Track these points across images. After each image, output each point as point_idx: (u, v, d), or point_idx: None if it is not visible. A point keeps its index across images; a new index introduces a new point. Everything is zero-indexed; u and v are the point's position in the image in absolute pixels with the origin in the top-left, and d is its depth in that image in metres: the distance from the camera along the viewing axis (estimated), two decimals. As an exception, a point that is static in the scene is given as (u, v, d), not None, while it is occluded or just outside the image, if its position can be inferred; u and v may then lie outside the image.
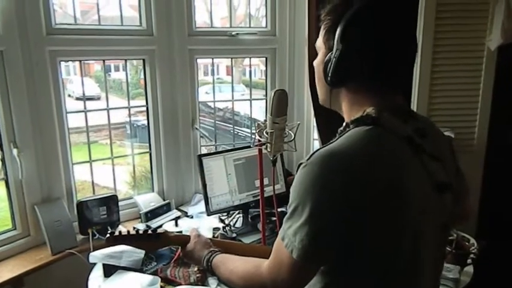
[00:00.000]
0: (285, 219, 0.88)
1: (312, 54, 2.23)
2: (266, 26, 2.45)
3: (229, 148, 2.32)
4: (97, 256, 1.71)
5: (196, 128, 2.38)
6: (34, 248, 1.99)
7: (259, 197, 2.20)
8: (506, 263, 2.18)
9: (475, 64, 2.12)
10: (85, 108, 2.16)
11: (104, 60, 2.24)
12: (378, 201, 0.82)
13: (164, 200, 2.29)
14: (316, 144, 2.53)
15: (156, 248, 1.40)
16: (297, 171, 0.88)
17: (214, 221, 2.06)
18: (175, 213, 2.16)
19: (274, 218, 2.12)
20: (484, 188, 2.22)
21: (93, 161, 2.23)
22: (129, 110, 2.32)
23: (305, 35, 2.36)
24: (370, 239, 0.84)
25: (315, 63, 1.02)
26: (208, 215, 2.04)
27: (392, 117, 0.90)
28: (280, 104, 1.30)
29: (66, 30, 2.00)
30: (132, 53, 2.22)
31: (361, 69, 0.90)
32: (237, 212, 2.17)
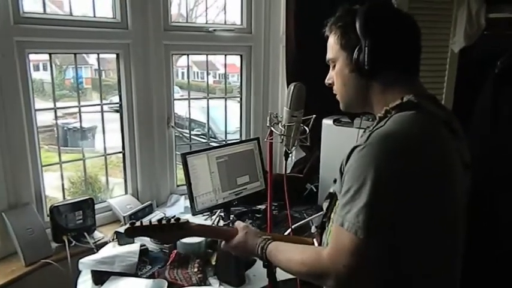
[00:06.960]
0: (342, 204, 0.89)
1: (290, 51, 2.28)
2: (242, 23, 2.43)
3: (215, 146, 2.27)
4: (87, 263, 1.59)
5: (172, 126, 2.30)
6: (3, 259, 1.80)
7: (241, 195, 2.19)
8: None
9: (439, 65, 2.30)
10: (55, 105, 2.00)
11: (75, 54, 2.08)
12: (431, 178, 0.88)
13: (139, 202, 2.19)
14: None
15: (177, 238, 1.41)
16: (349, 156, 0.91)
17: (201, 220, 2.01)
18: (158, 214, 2.07)
19: (259, 215, 2.13)
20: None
21: (63, 162, 2.07)
22: (102, 108, 2.17)
23: (280, 33, 2.38)
24: (425, 213, 0.89)
25: (337, 72, 1.05)
26: (193, 214, 1.98)
27: (429, 103, 0.98)
28: (300, 98, 1.30)
29: (36, 19, 1.83)
30: (106, 46, 2.08)
31: (390, 56, 0.98)
32: (219, 210, 2.13)
